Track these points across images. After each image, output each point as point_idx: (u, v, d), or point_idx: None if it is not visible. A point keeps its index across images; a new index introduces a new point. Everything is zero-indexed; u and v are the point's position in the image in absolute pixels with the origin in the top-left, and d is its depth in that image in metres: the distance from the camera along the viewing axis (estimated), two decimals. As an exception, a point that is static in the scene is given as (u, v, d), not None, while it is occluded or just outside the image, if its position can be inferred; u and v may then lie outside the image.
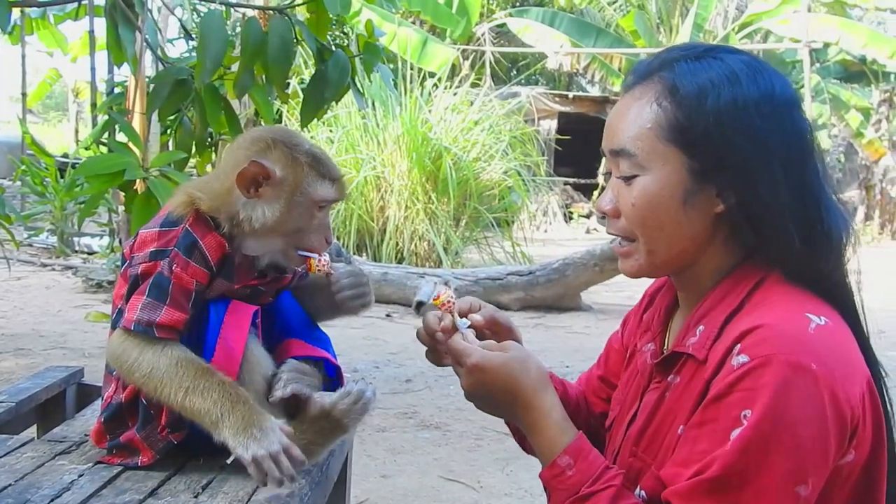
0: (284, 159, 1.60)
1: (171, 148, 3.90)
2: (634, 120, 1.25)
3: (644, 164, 1.23)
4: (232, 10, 6.10)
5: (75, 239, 10.09)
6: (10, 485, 1.48)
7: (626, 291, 8.15)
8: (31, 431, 2.09)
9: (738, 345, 1.14)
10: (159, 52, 3.96)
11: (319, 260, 1.65)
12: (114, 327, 1.61)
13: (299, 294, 1.78)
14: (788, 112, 1.23)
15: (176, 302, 1.52)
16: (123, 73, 7.08)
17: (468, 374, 1.30)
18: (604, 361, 1.63)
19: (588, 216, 18.05)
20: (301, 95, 7.99)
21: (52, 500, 1.42)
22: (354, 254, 9.06)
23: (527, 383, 1.29)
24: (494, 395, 1.30)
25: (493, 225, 9.96)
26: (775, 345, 1.11)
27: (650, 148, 1.23)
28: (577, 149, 16.34)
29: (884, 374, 1.26)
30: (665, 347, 1.39)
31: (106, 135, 4.07)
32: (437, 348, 1.42)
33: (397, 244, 9.38)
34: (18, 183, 10.75)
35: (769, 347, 1.11)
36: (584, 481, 1.21)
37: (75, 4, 6.36)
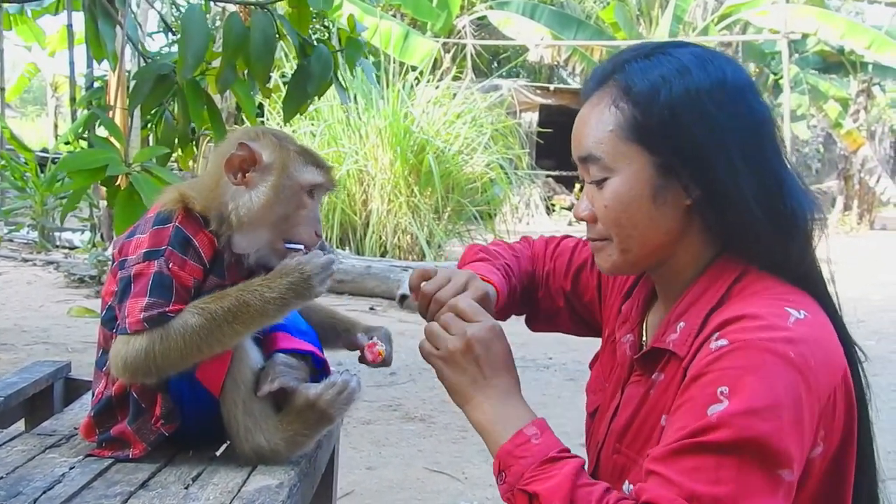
0: (272, 145, 1.63)
1: (151, 142, 3.90)
2: (596, 125, 1.28)
3: (611, 166, 1.26)
4: (211, 4, 6.09)
5: (56, 234, 10.06)
6: (1, 478, 1.50)
7: (607, 283, 8.18)
8: (19, 426, 2.10)
9: (718, 332, 1.16)
10: (140, 47, 3.95)
11: (372, 348, 1.73)
12: (104, 325, 1.62)
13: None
14: (742, 97, 1.25)
15: (180, 297, 1.52)
16: (103, 67, 7.04)
17: (486, 328, 1.30)
18: (573, 277, 1.64)
19: (570, 208, 18.12)
20: (282, 89, 8.00)
21: (44, 493, 1.43)
22: (337, 247, 9.07)
23: (510, 356, 1.33)
24: (489, 357, 1.30)
25: (475, 218, 9.99)
26: (755, 333, 1.13)
27: (614, 149, 1.25)
28: (559, 141, 16.31)
29: (862, 358, 1.28)
30: (643, 339, 1.40)
31: (85, 129, 4.06)
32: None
33: (380, 237, 9.40)
34: (-3, 178, 10.69)
35: (748, 334, 1.13)
36: (551, 448, 1.22)
37: (54, -1, 6.32)
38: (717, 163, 1.21)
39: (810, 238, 1.27)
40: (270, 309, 1.52)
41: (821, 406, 1.14)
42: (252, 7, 3.43)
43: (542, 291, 1.68)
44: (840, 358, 1.20)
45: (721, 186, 1.22)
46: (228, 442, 1.68)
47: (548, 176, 18.29)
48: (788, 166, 1.27)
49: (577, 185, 18.33)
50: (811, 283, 1.26)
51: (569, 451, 1.23)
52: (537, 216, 16.58)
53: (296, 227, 1.64)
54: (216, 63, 3.47)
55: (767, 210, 1.22)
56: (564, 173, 18.45)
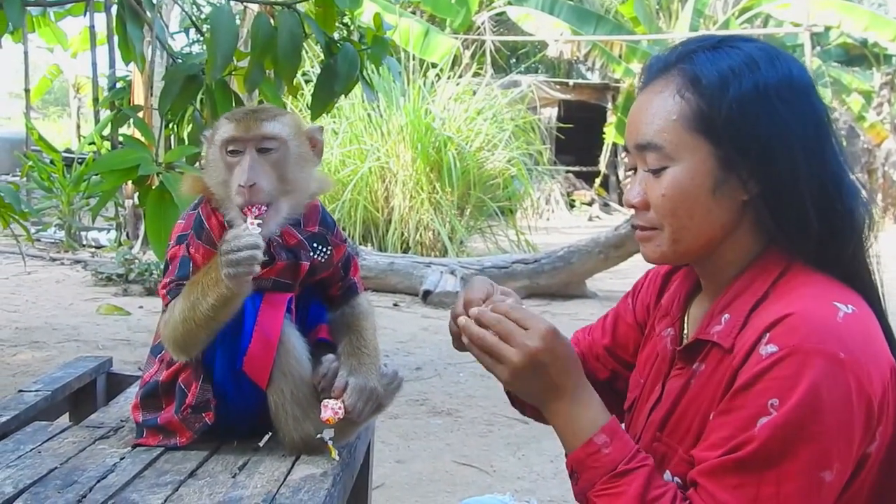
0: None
1: (173, 142, 3.97)
2: (658, 113, 1.26)
3: (672, 156, 1.25)
4: (234, 2, 6.14)
5: (83, 233, 10.18)
6: (56, 468, 1.56)
7: (630, 279, 8.12)
8: (64, 419, 2.16)
9: (768, 334, 1.15)
10: (168, 48, 4.01)
11: (335, 412, 1.60)
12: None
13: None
14: (807, 96, 1.25)
15: None
16: (125, 68, 7.08)
17: (542, 337, 1.25)
18: (611, 331, 1.62)
19: (590, 204, 18.09)
20: (304, 88, 8.06)
21: (98, 482, 1.49)
22: (360, 244, 9.12)
23: (573, 352, 1.31)
24: (556, 364, 1.26)
25: (497, 214, 10.01)
26: (804, 334, 1.13)
27: (677, 139, 1.24)
28: (579, 136, 16.38)
29: None
30: (684, 333, 1.40)
31: (110, 129, 4.11)
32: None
33: (403, 234, 9.45)
34: (24, 179, 10.80)
35: (798, 337, 1.13)
36: (620, 459, 1.22)
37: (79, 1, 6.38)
38: (780, 160, 1.21)
39: (862, 238, 1.27)
40: (211, 288, 1.54)
41: (877, 401, 1.14)
42: (278, 7, 3.48)
43: (592, 364, 1.63)
44: (887, 352, 1.20)
45: (781, 184, 1.22)
46: (270, 433, 1.73)
47: (568, 171, 18.27)
48: (846, 167, 1.27)
49: (597, 181, 18.34)
50: (858, 280, 1.26)
51: (639, 454, 1.24)
52: (558, 211, 16.58)
53: (231, 187, 1.60)
54: (242, 63, 3.52)
55: (823, 209, 1.22)
56: (584, 168, 18.43)
